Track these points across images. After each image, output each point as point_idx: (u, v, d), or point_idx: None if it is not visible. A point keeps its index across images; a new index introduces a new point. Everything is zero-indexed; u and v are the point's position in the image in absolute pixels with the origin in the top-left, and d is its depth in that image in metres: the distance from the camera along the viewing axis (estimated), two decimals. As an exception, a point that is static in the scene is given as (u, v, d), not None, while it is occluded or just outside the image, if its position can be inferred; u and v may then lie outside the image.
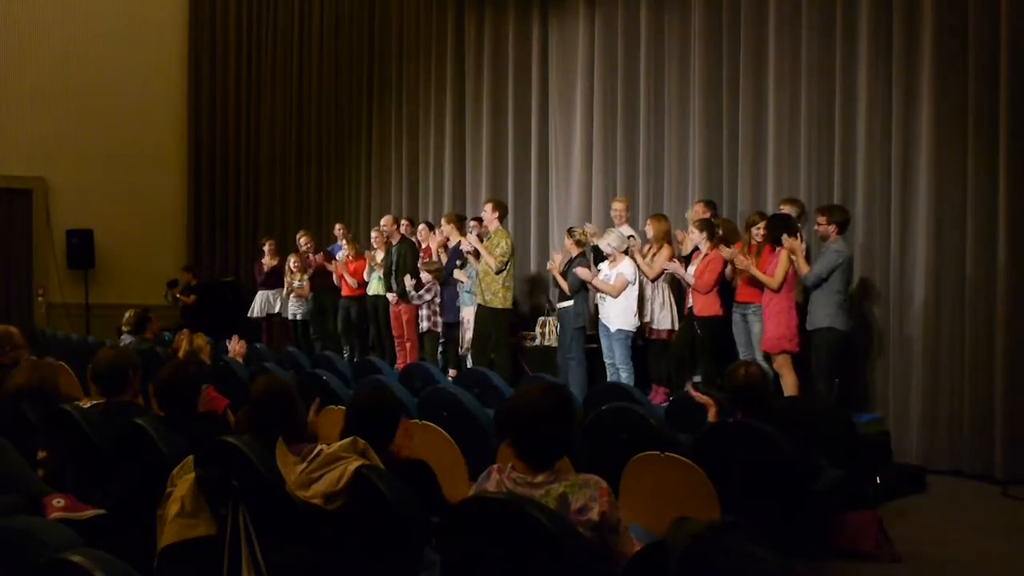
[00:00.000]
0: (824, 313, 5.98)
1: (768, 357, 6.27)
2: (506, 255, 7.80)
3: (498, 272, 7.77)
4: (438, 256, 8.81)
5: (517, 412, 2.64)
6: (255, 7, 13.57)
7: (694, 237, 6.90)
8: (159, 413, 3.90)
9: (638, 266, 7.10)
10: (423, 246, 9.16)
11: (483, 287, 7.84)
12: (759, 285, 6.34)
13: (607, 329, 7.08)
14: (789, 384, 6.19)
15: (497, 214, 8.00)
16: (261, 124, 13.41)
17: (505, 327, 8.01)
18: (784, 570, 2.02)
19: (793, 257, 6.10)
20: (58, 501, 3.38)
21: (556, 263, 7.62)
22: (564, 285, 7.41)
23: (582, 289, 7.31)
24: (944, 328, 6.22)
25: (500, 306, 7.85)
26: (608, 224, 7.74)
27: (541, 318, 8.47)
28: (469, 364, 8.05)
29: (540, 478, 2.56)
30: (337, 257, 9.86)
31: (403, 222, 9.36)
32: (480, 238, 8.07)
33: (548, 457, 2.60)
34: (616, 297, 6.99)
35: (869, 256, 6.65)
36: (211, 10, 13.98)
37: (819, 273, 5.96)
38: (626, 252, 7.12)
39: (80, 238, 12.63)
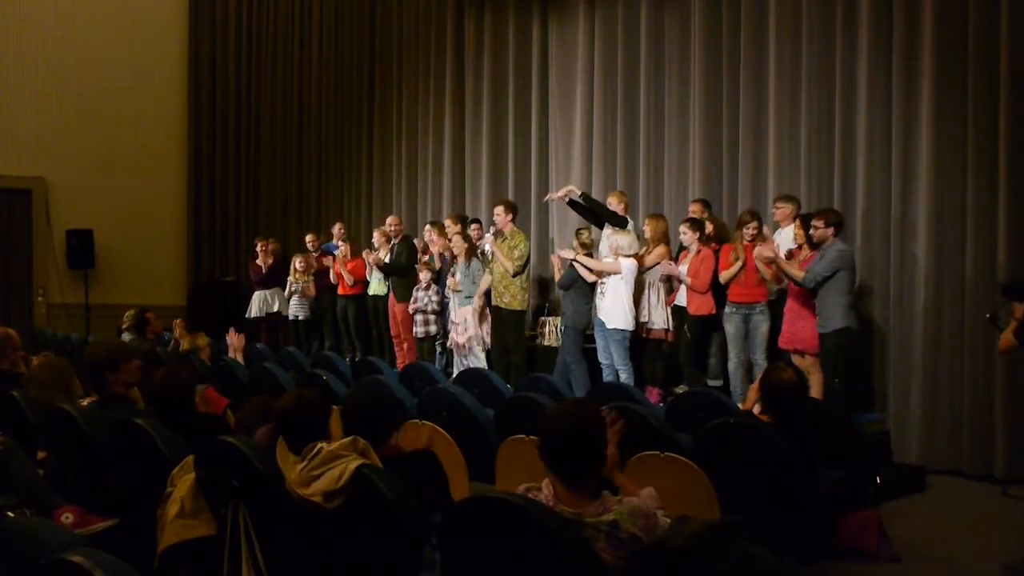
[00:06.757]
0: (838, 314, 5.93)
1: (783, 356, 6.28)
2: (523, 257, 7.65)
3: (515, 275, 7.61)
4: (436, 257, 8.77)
5: (555, 435, 2.54)
6: (255, 7, 13.58)
7: (685, 237, 6.93)
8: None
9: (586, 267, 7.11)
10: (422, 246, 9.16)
11: (501, 290, 7.68)
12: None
13: (603, 328, 7.07)
14: (817, 384, 6.19)
15: (511, 215, 7.75)
16: (261, 124, 13.42)
17: (522, 329, 7.97)
18: (784, 570, 2.02)
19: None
20: (66, 516, 3.38)
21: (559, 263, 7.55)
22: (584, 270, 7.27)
23: (573, 286, 7.27)
24: (944, 328, 6.21)
25: (519, 308, 7.73)
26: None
27: (542, 318, 8.46)
28: (455, 362, 8.09)
29: (590, 510, 2.48)
30: (335, 255, 9.85)
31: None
32: (496, 237, 7.86)
33: (587, 478, 2.52)
34: (599, 278, 6.97)
35: (869, 256, 6.64)
36: (211, 10, 13.99)
37: (821, 272, 5.90)
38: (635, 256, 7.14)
39: (80, 238, 12.62)
